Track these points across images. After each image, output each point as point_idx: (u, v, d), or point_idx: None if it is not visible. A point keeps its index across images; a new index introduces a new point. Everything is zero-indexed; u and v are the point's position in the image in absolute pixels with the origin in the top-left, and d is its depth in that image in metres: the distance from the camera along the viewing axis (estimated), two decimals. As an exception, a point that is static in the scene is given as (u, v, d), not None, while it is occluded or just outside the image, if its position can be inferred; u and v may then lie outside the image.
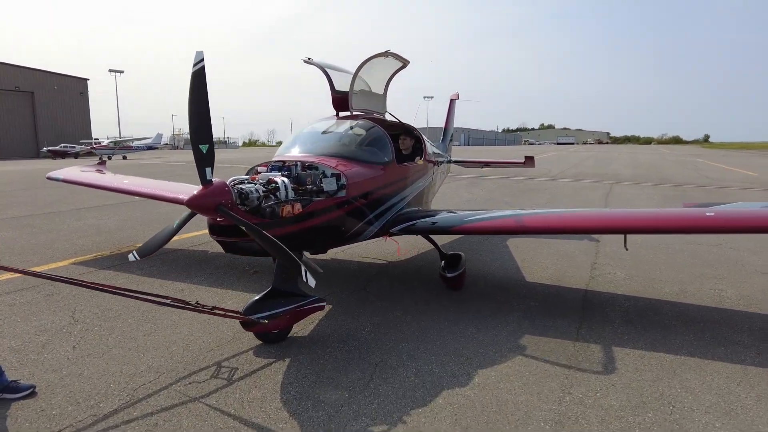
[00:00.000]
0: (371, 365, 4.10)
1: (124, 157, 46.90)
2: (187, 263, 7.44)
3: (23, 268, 4.36)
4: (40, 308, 5.44)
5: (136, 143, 52.31)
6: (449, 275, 6.01)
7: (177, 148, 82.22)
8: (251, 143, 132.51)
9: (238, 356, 4.28)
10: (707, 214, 5.11)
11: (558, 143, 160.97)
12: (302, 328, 4.89)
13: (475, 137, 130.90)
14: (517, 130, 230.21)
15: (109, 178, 8.53)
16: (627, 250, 6.02)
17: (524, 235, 8.71)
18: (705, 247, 8.34)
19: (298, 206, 4.37)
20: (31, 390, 3.69)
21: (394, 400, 3.55)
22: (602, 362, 4.16)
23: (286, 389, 3.72)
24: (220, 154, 45.50)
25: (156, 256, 6.20)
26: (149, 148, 52.27)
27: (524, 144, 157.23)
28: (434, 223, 6.00)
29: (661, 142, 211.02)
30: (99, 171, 9.16)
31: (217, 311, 4.16)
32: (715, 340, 4.59)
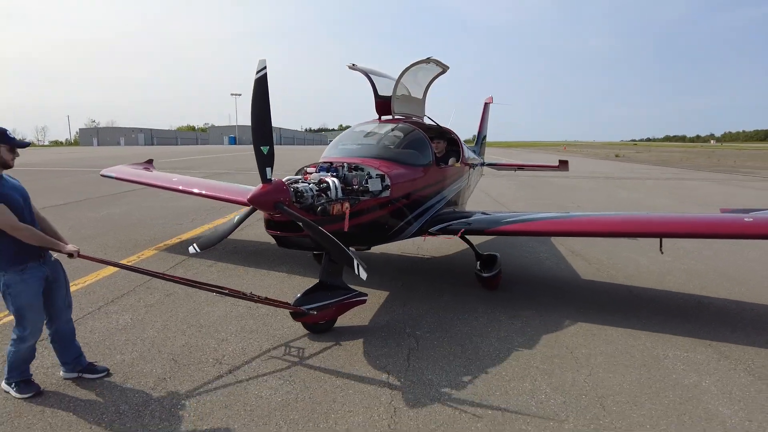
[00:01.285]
0: (521, 314, 5.60)
1: None
2: (244, 255, 7.80)
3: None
4: (197, 304, 5.66)
5: None
6: (485, 275, 6.14)
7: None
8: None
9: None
10: (746, 219, 5.19)
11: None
12: (452, 293, 6.26)
13: (285, 136, 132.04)
14: (320, 130, 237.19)
15: (157, 176, 8.68)
16: (662, 253, 5.87)
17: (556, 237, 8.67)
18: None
19: (346, 205, 4.62)
20: (106, 372, 3.94)
21: (558, 328, 5.23)
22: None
23: (495, 315, 5.36)
24: None
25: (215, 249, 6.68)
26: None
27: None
28: (470, 224, 6.13)
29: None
30: (147, 169, 9.22)
31: (269, 301, 4.48)
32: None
